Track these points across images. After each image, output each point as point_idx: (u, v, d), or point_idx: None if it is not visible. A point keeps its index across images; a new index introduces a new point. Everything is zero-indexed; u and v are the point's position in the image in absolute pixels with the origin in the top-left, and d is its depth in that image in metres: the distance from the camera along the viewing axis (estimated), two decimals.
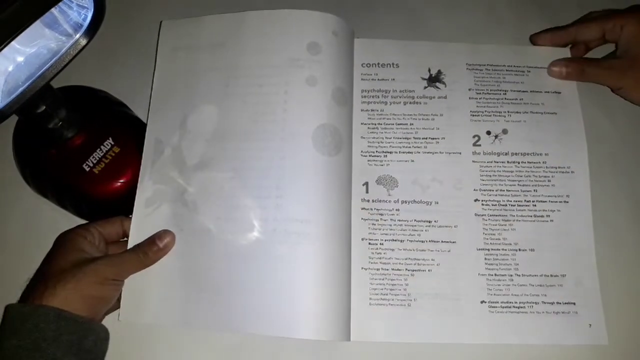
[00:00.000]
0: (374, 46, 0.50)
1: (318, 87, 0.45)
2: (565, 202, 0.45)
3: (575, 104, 0.48)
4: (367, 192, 0.45)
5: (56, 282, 0.36)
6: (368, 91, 0.48)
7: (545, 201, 0.45)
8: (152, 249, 0.41)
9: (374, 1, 0.55)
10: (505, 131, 0.47)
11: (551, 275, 0.43)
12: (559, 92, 0.48)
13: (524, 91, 0.48)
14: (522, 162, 0.46)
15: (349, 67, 0.48)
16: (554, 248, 0.44)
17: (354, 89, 0.48)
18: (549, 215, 0.45)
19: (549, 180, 0.46)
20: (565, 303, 0.43)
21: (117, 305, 0.41)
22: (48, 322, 0.34)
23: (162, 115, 0.46)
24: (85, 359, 0.36)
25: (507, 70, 0.49)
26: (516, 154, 0.46)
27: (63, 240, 0.40)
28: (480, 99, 0.48)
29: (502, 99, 0.48)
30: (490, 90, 0.48)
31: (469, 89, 0.48)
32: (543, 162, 0.46)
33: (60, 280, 0.36)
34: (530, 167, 0.46)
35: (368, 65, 0.49)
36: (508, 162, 0.46)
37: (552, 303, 0.43)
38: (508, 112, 0.47)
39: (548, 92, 0.48)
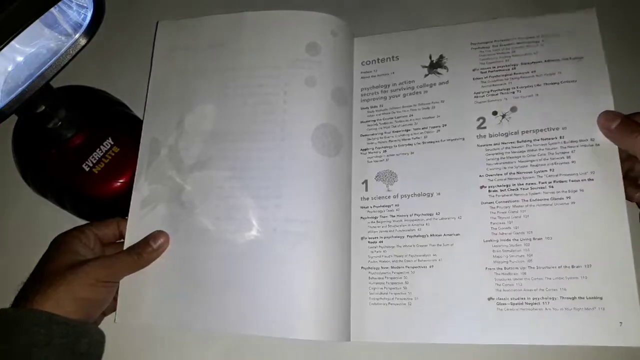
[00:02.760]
0: (373, 42, 0.49)
1: (317, 88, 0.45)
2: (589, 179, 0.40)
3: (600, 67, 0.42)
4: (366, 190, 0.45)
5: (48, 285, 0.36)
6: (368, 89, 0.48)
7: (565, 181, 0.40)
8: (146, 249, 0.41)
9: (374, 0, 0.55)
10: (514, 109, 0.43)
11: (573, 267, 0.39)
12: (581, 57, 0.43)
13: (537, 62, 0.44)
14: (535, 139, 0.42)
15: (349, 66, 0.48)
16: (577, 235, 0.39)
17: (354, 88, 0.48)
18: (569, 197, 0.40)
19: (568, 157, 0.41)
20: (590, 298, 0.38)
21: (114, 307, 0.41)
22: (39, 326, 0.34)
23: (159, 115, 0.46)
24: None
25: (517, 44, 0.45)
26: (527, 131, 0.42)
27: (57, 243, 0.40)
28: (485, 78, 0.45)
29: (510, 74, 0.44)
30: (498, 67, 0.45)
31: (474, 69, 0.45)
32: (560, 137, 0.41)
33: (52, 283, 0.36)
34: (545, 144, 0.41)
35: (368, 62, 0.49)
36: (518, 141, 0.42)
37: (573, 298, 0.38)
38: (517, 87, 0.43)
39: (567, 59, 0.43)
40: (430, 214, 0.43)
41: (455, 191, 0.43)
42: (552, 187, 0.40)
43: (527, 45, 0.45)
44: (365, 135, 0.46)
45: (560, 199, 0.40)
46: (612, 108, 0.41)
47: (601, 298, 0.38)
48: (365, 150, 0.46)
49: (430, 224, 0.43)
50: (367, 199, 0.45)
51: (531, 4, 0.54)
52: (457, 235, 0.42)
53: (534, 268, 0.39)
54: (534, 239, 0.40)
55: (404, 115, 0.46)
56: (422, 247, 0.42)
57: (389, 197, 0.44)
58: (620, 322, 0.37)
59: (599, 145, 0.40)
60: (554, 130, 0.42)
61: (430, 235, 0.42)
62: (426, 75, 0.47)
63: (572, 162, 0.41)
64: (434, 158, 0.44)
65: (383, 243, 0.43)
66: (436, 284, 0.41)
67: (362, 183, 0.45)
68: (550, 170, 0.41)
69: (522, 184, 0.41)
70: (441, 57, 0.47)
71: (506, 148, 0.42)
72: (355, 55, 0.49)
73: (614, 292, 0.38)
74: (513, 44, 0.45)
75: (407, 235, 0.43)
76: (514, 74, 0.44)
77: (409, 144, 0.45)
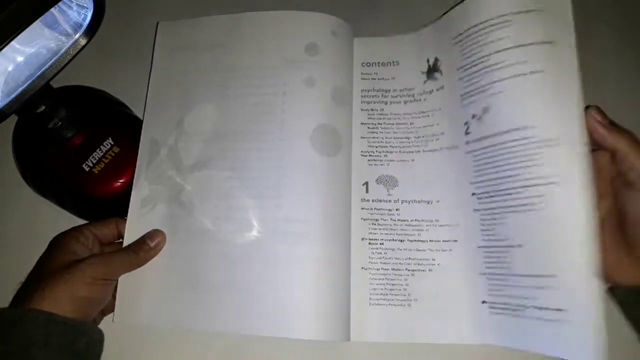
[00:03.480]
0: (374, 44, 0.49)
1: (316, 88, 0.45)
2: (556, 183, 0.36)
3: (570, 54, 0.38)
4: (367, 191, 0.45)
5: (45, 285, 0.36)
6: (368, 91, 0.48)
7: (534, 185, 0.37)
8: (143, 248, 0.41)
9: (374, 0, 0.55)
10: (486, 110, 0.40)
11: (539, 276, 0.37)
12: (550, 42, 0.38)
13: (507, 49, 0.39)
14: (507, 141, 0.38)
15: (349, 66, 0.48)
16: (544, 243, 0.37)
17: (354, 89, 0.48)
18: (539, 203, 0.37)
19: (537, 159, 0.37)
20: (555, 310, 0.36)
21: (114, 306, 0.41)
22: (37, 326, 0.34)
23: (158, 116, 0.46)
24: None
25: (490, 26, 0.40)
26: (497, 134, 0.39)
27: (55, 243, 0.40)
28: (467, 76, 0.42)
29: (485, 67, 0.40)
30: (475, 60, 0.41)
31: (458, 68, 0.43)
32: (530, 137, 0.37)
33: (49, 282, 0.36)
34: (516, 146, 0.38)
35: (368, 64, 0.49)
36: (492, 145, 0.39)
37: (541, 308, 0.36)
38: (490, 83, 0.40)
39: (535, 43, 0.38)
40: (430, 221, 0.43)
41: (453, 199, 0.43)
42: (520, 192, 0.38)
43: (498, 27, 0.40)
44: (366, 137, 0.46)
45: (530, 204, 0.37)
46: (575, 102, 0.37)
47: (566, 310, 0.35)
48: (366, 152, 0.46)
49: (430, 230, 0.43)
50: (368, 200, 0.45)
51: None
52: (455, 241, 0.42)
53: (513, 275, 0.39)
54: (510, 246, 0.39)
55: (404, 123, 0.46)
56: (422, 252, 0.43)
57: (390, 201, 0.44)
58: (585, 337, 0.34)
59: (559, 145, 0.36)
60: (522, 129, 0.37)
61: (430, 240, 0.43)
62: (425, 82, 0.47)
63: (541, 164, 0.37)
64: (434, 166, 0.44)
65: (384, 245, 0.43)
66: (435, 287, 0.42)
67: (363, 185, 0.45)
68: (520, 174, 0.38)
69: (498, 190, 0.39)
70: (436, 60, 0.46)
71: (484, 153, 0.40)
72: (355, 55, 0.49)
73: (578, 305, 0.35)
74: (486, 28, 0.40)
75: (408, 240, 0.43)
76: (488, 66, 0.40)
77: (409, 152, 0.45)
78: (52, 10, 0.32)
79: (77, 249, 0.39)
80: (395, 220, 0.44)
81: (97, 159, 0.43)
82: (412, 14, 0.54)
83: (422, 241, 0.43)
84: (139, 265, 0.41)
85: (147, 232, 0.42)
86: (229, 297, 0.41)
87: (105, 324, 0.40)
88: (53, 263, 0.37)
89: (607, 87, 0.50)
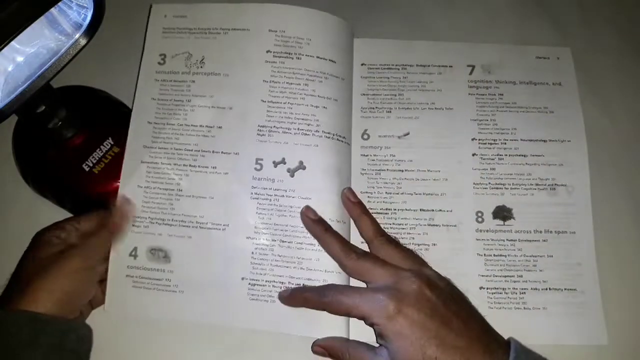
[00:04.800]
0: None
1: None
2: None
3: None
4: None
5: (26, 284, 0.35)
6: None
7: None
8: (112, 221, 0.41)
9: (375, 0, 0.55)
10: None
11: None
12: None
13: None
14: None
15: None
16: None
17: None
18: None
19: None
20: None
21: (102, 300, 0.41)
22: (20, 327, 0.33)
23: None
24: (70, 358, 0.35)
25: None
26: None
27: (35, 240, 0.39)
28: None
29: None
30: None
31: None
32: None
33: (29, 281, 0.35)
34: None
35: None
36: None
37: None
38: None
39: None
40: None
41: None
42: None
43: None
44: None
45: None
46: None
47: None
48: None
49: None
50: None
51: (531, 3, 0.55)
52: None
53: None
54: None
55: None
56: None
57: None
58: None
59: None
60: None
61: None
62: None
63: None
64: None
65: None
66: None
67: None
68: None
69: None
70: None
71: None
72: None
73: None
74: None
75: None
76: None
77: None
78: (52, 10, 0.32)
79: (58, 245, 0.38)
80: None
81: (97, 159, 0.43)
82: (411, 15, 0.54)
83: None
84: (115, 241, 0.41)
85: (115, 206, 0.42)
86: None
87: (99, 319, 0.40)
88: (34, 262, 0.37)
89: (607, 87, 0.50)
